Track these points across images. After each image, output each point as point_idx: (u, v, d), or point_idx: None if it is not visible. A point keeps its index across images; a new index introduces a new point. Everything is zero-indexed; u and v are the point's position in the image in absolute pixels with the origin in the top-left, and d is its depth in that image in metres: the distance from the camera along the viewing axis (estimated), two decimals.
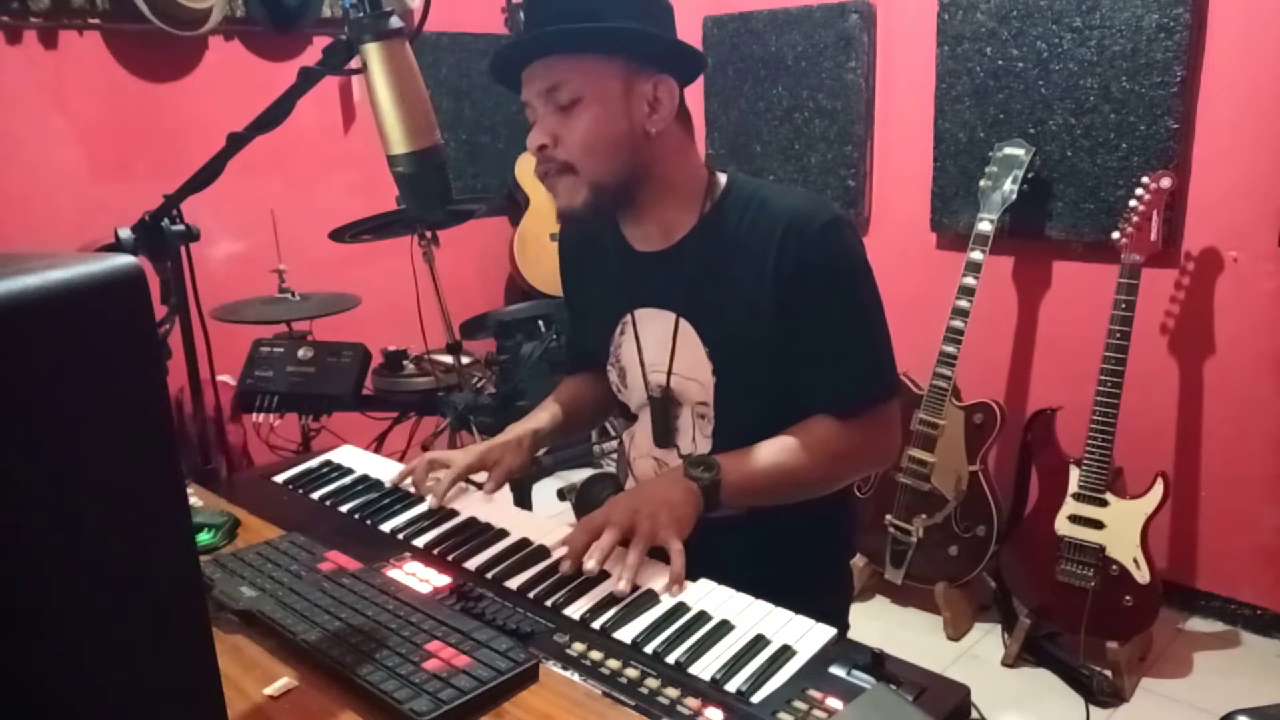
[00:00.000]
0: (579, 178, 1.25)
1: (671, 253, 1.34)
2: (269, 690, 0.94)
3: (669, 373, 1.36)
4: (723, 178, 1.35)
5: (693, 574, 1.13)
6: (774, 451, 1.27)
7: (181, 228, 1.30)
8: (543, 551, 1.21)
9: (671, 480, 1.23)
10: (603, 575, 1.14)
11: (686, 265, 1.32)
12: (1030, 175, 2.55)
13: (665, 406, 1.39)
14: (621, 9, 1.23)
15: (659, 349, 1.37)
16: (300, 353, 2.42)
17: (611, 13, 1.22)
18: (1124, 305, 2.28)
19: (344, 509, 1.39)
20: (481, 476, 1.45)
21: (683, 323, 1.34)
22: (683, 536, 1.14)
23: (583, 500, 1.44)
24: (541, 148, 1.26)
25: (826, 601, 1.40)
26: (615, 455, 3.21)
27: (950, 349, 2.48)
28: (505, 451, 1.46)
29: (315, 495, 1.45)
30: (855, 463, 1.34)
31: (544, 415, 1.55)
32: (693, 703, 0.90)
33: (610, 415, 1.67)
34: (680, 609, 1.06)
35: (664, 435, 1.41)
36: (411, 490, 1.42)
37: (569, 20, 1.20)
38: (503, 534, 1.27)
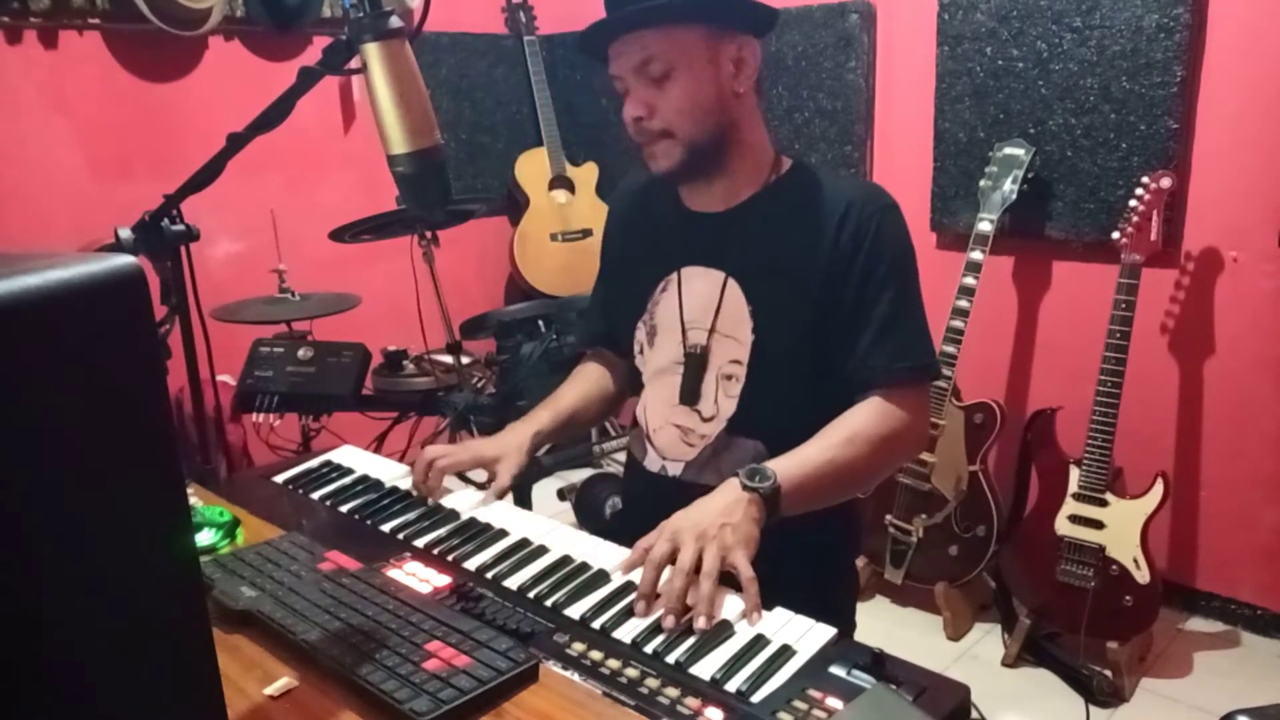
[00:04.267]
0: (675, 140, 1.33)
1: (729, 215, 1.40)
2: (269, 690, 0.94)
3: (711, 330, 1.39)
4: (787, 161, 1.42)
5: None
6: (823, 448, 1.27)
7: (181, 228, 1.30)
8: (543, 551, 1.21)
9: (730, 496, 1.17)
10: (603, 576, 1.15)
11: (743, 227, 1.38)
12: (1030, 175, 2.55)
13: (700, 364, 1.40)
14: None
15: (702, 306, 1.40)
16: (300, 353, 2.42)
17: None
18: (1124, 305, 2.28)
19: (344, 509, 1.39)
20: (480, 475, 1.44)
21: (730, 282, 1.37)
22: (751, 556, 1.10)
23: (583, 500, 1.44)
24: (637, 119, 1.33)
25: (833, 599, 1.41)
26: (615, 455, 3.20)
27: (950, 349, 2.47)
28: (505, 456, 1.44)
29: (315, 495, 1.45)
30: (897, 447, 1.34)
31: (545, 415, 1.54)
32: (692, 702, 0.90)
33: (614, 412, 1.66)
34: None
35: (692, 394, 1.41)
36: (414, 492, 1.41)
37: None
38: (503, 534, 1.27)
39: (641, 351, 1.49)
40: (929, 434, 1.40)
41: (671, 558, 1.09)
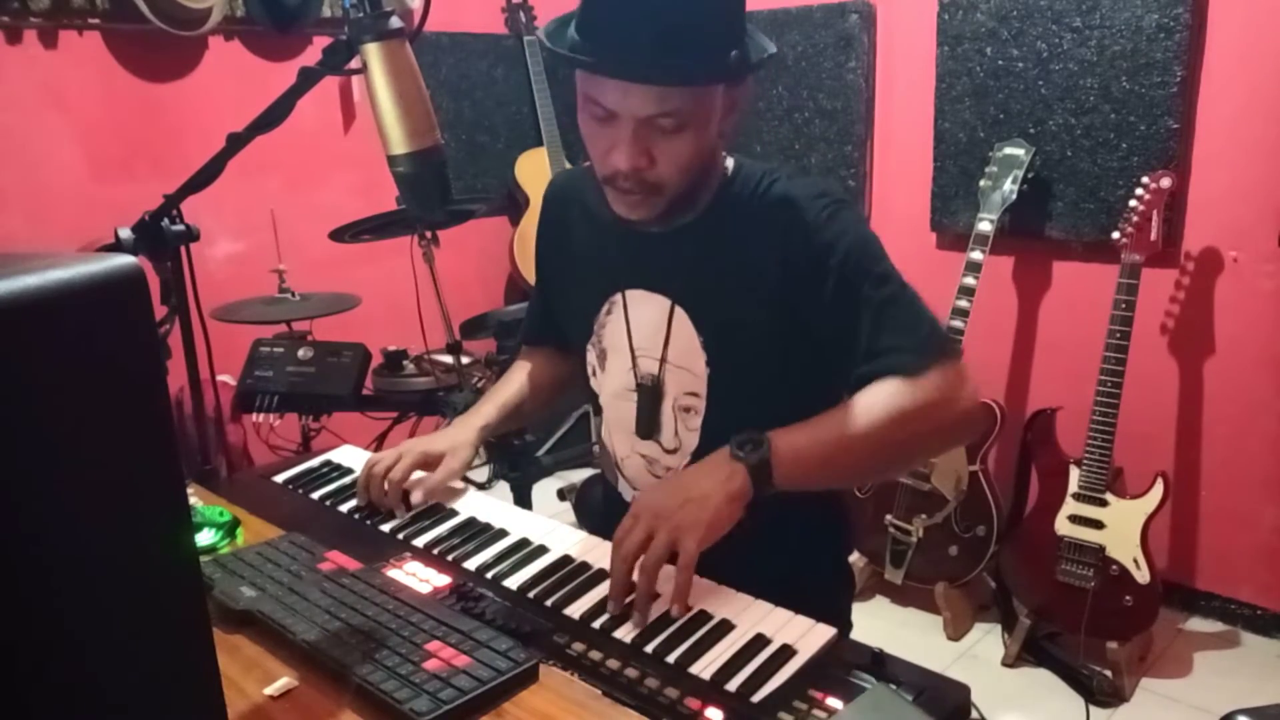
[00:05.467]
0: (662, 195, 1.21)
1: (672, 236, 1.29)
2: (269, 690, 0.94)
3: (663, 360, 1.32)
4: (730, 162, 1.32)
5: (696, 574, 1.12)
6: (834, 418, 1.16)
7: (181, 228, 1.30)
8: (543, 551, 1.21)
9: (711, 466, 1.12)
10: (603, 576, 1.14)
11: (686, 249, 1.29)
12: (1030, 175, 2.55)
13: (655, 395, 1.34)
14: (720, 21, 1.14)
15: (650, 334, 1.33)
16: (300, 353, 2.42)
17: (727, 25, 1.15)
18: (1124, 305, 2.28)
19: (344, 509, 1.39)
20: (480, 475, 1.44)
21: (678, 310, 1.29)
22: (709, 539, 1.07)
23: (582, 500, 1.43)
24: (635, 169, 1.17)
25: (830, 600, 1.39)
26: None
27: None
28: (454, 451, 1.39)
29: (315, 495, 1.45)
30: (930, 422, 1.18)
31: (490, 409, 1.49)
32: (693, 702, 0.90)
33: (563, 397, 1.61)
34: None
35: (648, 426, 1.35)
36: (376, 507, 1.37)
37: (681, 44, 1.09)
38: (503, 534, 1.27)
39: (595, 374, 1.43)
40: (975, 411, 1.22)
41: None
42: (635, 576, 1.06)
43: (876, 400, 1.16)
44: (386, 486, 1.34)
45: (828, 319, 1.22)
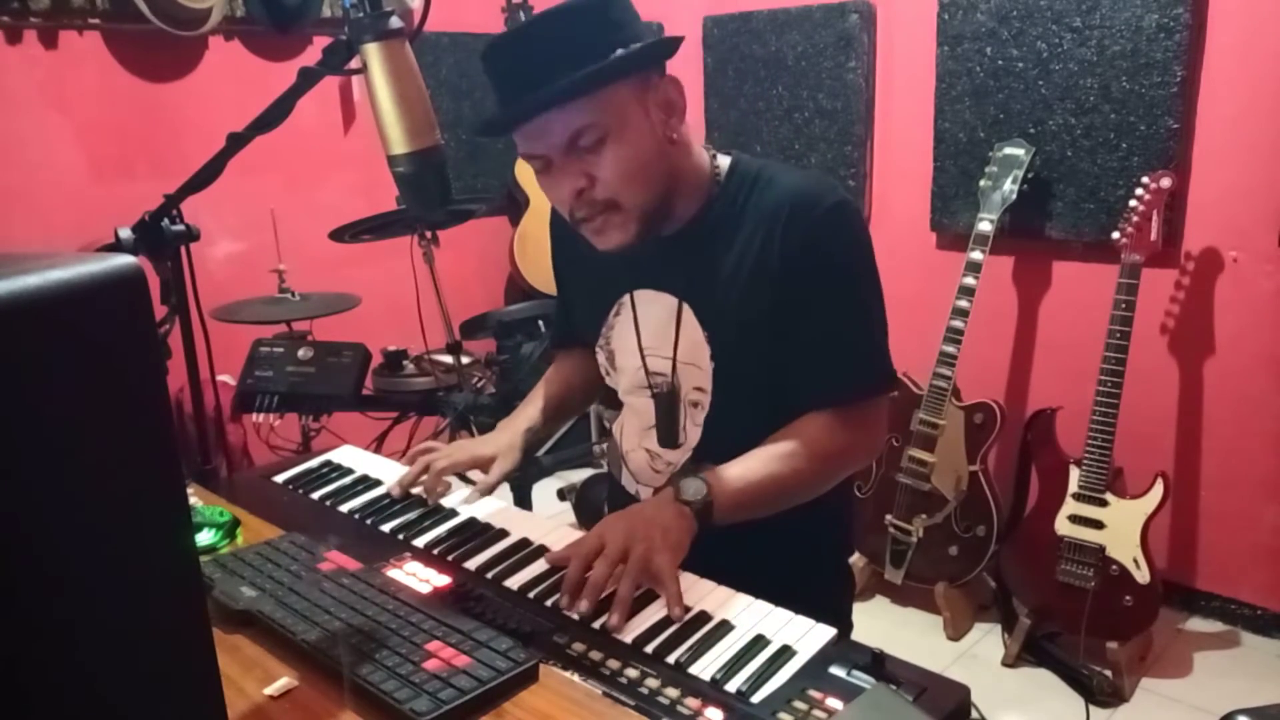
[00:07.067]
0: (625, 213, 1.22)
1: (674, 237, 1.32)
2: (269, 690, 0.94)
3: (674, 360, 1.34)
4: (725, 160, 1.33)
5: (694, 574, 1.13)
6: (764, 461, 1.24)
7: (181, 228, 1.30)
8: (543, 551, 1.21)
9: (663, 503, 1.18)
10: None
11: (689, 249, 1.31)
12: (1030, 175, 2.55)
13: (672, 400, 1.36)
14: (602, 25, 1.17)
15: (659, 333, 1.35)
16: (300, 353, 2.42)
17: (598, 37, 1.16)
18: (1124, 305, 2.28)
19: (344, 509, 1.39)
20: (477, 475, 1.44)
21: (685, 307, 1.31)
22: (678, 561, 1.11)
23: (582, 500, 1.43)
24: (580, 192, 1.21)
25: (830, 600, 1.40)
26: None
27: (950, 349, 2.48)
28: (501, 455, 1.44)
29: (315, 495, 1.45)
30: (845, 461, 1.31)
31: (534, 410, 1.53)
32: (693, 703, 0.90)
33: (598, 397, 1.65)
34: None
35: (669, 434, 1.37)
36: (413, 493, 1.41)
37: (562, 64, 1.13)
38: (503, 534, 1.27)
39: (608, 375, 1.47)
40: (882, 444, 1.35)
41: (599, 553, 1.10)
42: (597, 574, 1.08)
43: (806, 443, 1.25)
44: (428, 475, 1.38)
45: (796, 317, 1.25)
